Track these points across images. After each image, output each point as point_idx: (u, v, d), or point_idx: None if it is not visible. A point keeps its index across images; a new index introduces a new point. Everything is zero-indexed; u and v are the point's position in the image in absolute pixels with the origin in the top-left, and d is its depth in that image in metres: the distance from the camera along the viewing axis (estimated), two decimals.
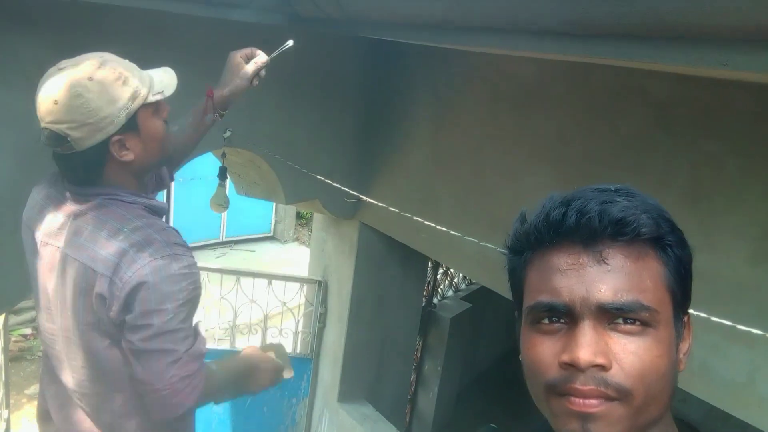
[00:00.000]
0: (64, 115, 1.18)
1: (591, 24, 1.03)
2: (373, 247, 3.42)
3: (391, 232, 3.10)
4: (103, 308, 1.23)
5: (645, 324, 0.58)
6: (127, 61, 1.29)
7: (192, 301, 1.29)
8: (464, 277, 5.28)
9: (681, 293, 0.63)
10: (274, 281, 3.70)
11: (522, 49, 1.25)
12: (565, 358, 0.58)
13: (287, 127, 2.73)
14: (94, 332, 1.28)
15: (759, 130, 1.62)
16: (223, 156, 2.58)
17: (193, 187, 8.27)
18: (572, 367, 0.58)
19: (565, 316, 0.60)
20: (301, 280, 3.81)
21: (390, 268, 3.60)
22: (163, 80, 1.36)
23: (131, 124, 1.26)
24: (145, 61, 1.45)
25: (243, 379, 1.57)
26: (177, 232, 1.33)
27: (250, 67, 1.60)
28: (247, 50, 1.63)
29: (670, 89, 1.81)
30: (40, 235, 1.33)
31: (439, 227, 1.86)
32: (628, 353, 0.57)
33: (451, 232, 1.82)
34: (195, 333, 1.33)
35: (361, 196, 2.37)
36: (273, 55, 1.64)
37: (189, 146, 1.75)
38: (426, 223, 1.91)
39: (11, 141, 1.88)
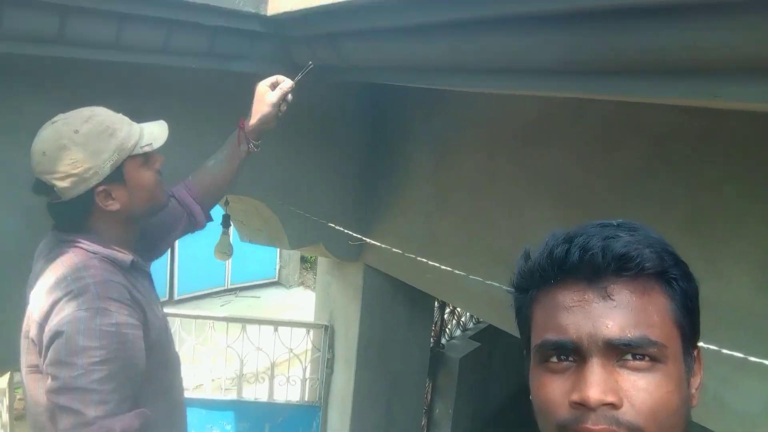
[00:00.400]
0: (51, 166, 1.24)
1: (583, 62, 1.06)
2: (378, 289, 3.41)
3: (396, 273, 3.09)
4: (36, 354, 1.24)
5: (654, 360, 0.58)
6: (119, 115, 1.35)
7: (118, 363, 1.19)
8: (471, 316, 5.23)
9: (689, 327, 0.62)
10: (280, 327, 3.67)
11: (518, 89, 1.28)
12: (575, 397, 0.57)
13: (289, 172, 2.76)
14: (35, 376, 1.28)
15: (756, 155, 1.64)
16: (226, 203, 2.60)
17: (196, 236, 8.23)
18: (583, 407, 0.57)
19: (573, 354, 0.60)
20: (307, 326, 3.78)
21: (396, 309, 3.57)
22: (153, 132, 1.40)
23: (117, 175, 1.31)
24: (148, 114, 1.48)
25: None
26: (124, 288, 1.28)
27: (275, 94, 1.62)
28: (272, 78, 1.66)
29: (666, 120, 1.83)
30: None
31: (442, 267, 1.86)
32: (638, 390, 0.57)
33: (456, 271, 1.82)
34: (128, 406, 1.21)
35: (364, 238, 2.38)
36: (296, 78, 1.67)
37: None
38: (430, 263, 1.91)
39: (18, 198, 1.90)
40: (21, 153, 1.82)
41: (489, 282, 1.63)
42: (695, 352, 0.64)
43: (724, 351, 1.15)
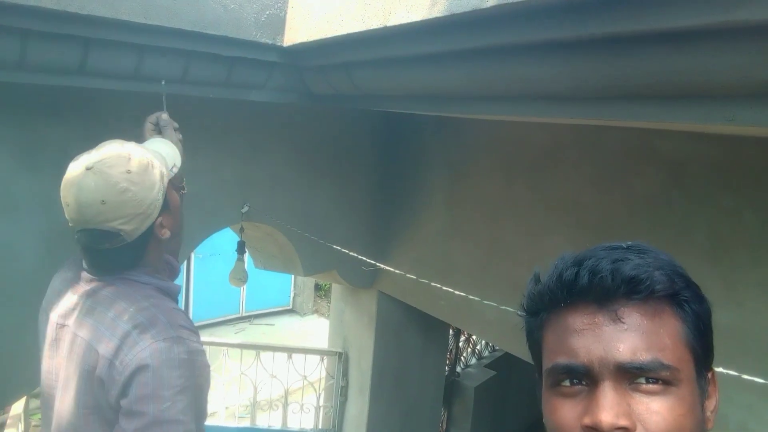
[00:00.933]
0: (115, 212, 1.20)
1: (598, 87, 1.06)
2: (392, 316, 3.39)
3: (410, 300, 3.08)
4: (102, 392, 1.17)
5: (666, 383, 0.57)
6: (135, 144, 1.34)
7: (192, 390, 1.18)
8: (487, 344, 5.17)
9: (702, 349, 0.61)
10: (294, 355, 3.66)
11: (533, 115, 1.29)
12: (587, 421, 0.57)
13: (304, 199, 2.78)
14: (94, 417, 1.21)
15: None
16: (242, 230, 2.62)
17: (211, 263, 8.32)
18: (595, 431, 0.56)
19: (584, 378, 0.59)
20: (321, 353, 3.76)
21: (410, 336, 3.55)
22: (170, 154, 1.42)
23: (165, 203, 1.30)
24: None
25: None
26: (185, 314, 1.30)
27: (170, 133, 1.65)
28: (148, 121, 1.67)
29: (681, 147, 1.82)
30: (55, 316, 1.32)
31: (457, 292, 1.85)
32: (651, 413, 0.56)
33: (470, 297, 1.81)
34: (197, 429, 1.20)
35: (378, 264, 2.38)
36: (164, 108, 1.71)
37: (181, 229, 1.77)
38: (444, 288, 1.90)
39: (40, 226, 1.94)
40: (46, 182, 1.87)
41: (504, 307, 1.62)
42: (709, 375, 0.63)
43: (745, 377, 1.12)
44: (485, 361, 5.03)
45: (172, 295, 1.36)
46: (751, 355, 1.61)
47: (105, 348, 1.17)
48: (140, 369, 1.12)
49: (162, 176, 1.29)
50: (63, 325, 1.29)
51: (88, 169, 1.21)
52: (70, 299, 1.30)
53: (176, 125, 1.69)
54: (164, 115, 1.68)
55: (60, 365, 1.29)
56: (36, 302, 1.43)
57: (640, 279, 0.58)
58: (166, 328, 1.18)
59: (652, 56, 0.95)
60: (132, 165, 1.23)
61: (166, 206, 1.30)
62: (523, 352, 2.34)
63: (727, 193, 1.73)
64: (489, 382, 4.67)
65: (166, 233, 1.31)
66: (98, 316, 1.22)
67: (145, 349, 1.14)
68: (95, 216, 1.19)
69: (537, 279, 0.67)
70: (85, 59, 1.53)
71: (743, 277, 1.66)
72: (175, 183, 1.40)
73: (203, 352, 1.25)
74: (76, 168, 1.23)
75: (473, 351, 5.03)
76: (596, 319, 0.59)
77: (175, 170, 1.38)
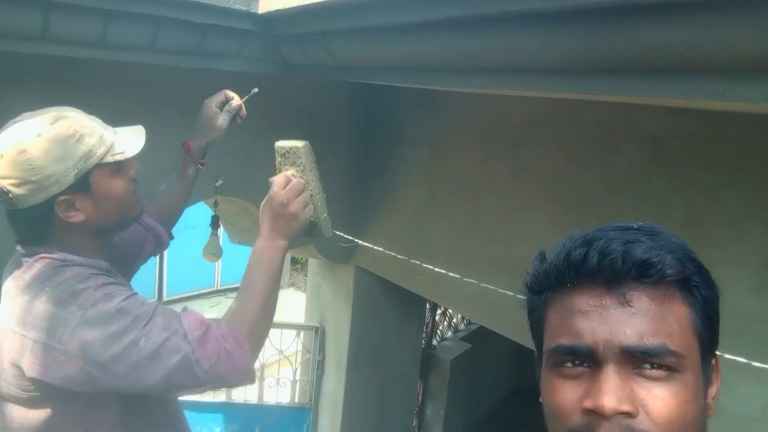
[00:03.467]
0: (7, 170, 1.12)
1: (582, 60, 1.03)
2: (369, 291, 3.38)
3: (388, 275, 3.07)
4: (40, 373, 1.11)
5: (672, 369, 0.56)
6: (92, 117, 1.24)
7: (141, 311, 1.15)
8: (463, 318, 5.22)
9: (708, 336, 0.60)
10: (270, 329, 3.63)
11: (513, 88, 1.25)
12: (589, 404, 0.55)
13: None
14: (14, 401, 1.18)
15: (753, 159, 1.62)
16: (216, 205, 2.56)
17: (186, 237, 8.19)
18: (595, 414, 0.55)
19: (587, 360, 0.58)
20: (297, 327, 3.75)
21: (387, 311, 3.55)
22: (129, 139, 1.29)
23: (82, 184, 1.19)
24: (134, 114, 1.44)
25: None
26: (110, 276, 1.23)
27: (225, 118, 1.59)
28: (220, 96, 1.60)
29: (662, 123, 1.81)
30: None
31: (436, 269, 1.83)
32: (654, 399, 0.55)
33: (450, 274, 1.80)
34: (165, 314, 1.19)
35: (356, 240, 2.35)
36: (244, 99, 1.64)
37: (182, 200, 1.73)
38: (423, 265, 1.89)
39: None
40: None
41: (484, 285, 1.61)
42: (713, 361, 0.63)
43: (727, 356, 1.13)
44: (461, 334, 5.08)
45: (99, 270, 1.24)
46: (727, 331, 1.62)
47: (34, 332, 1.12)
48: (85, 342, 1.11)
49: (87, 156, 1.17)
50: None
51: (15, 121, 1.17)
52: (4, 282, 1.23)
53: (243, 114, 1.64)
54: (236, 103, 1.61)
55: None
56: None
57: (652, 262, 0.57)
58: (89, 295, 1.13)
59: (640, 28, 0.92)
60: (48, 129, 1.14)
61: (85, 188, 1.19)
62: (499, 327, 2.36)
63: (706, 170, 1.72)
64: (464, 355, 4.72)
65: (77, 216, 1.20)
66: (16, 300, 1.15)
67: (79, 322, 1.11)
68: None
69: (543, 257, 0.65)
70: (47, 24, 1.45)
71: (721, 255, 1.67)
72: (125, 170, 1.27)
73: (130, 292, 1.21)
74: (14, 119, 1.18)
75: (449, 324, 5.07)
76: (603, 302, 0.58)
77: (120, 158, 1.23)
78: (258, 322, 1.33)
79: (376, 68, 1.69)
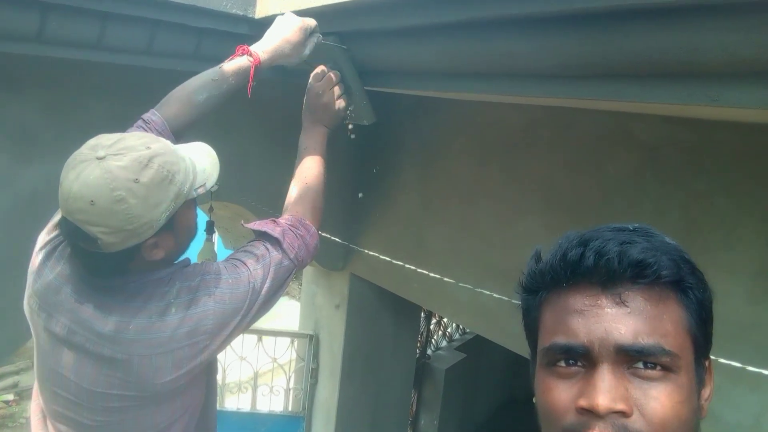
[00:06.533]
0: (100, 218, 1.03)
1: (578, 65, 1.03)
2: (364, 298, 3.37)
3: (383, 282, 3.06)
4: (183, 368, 1.20)
5: (666, 369, 0.56)
6: (171, 146, 1.16)
7: (242, 269, 1.28)
8: (458, 327, 5.21)
9: (702, 337, 0.61)
10: (264, 337, 3.62)
11: (511, 93, 1.26)
12: (583, 403, 0.56)
13: (275, 179, 2.71)
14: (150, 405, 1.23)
15: (747, 167, 1.63)
16: (211, 210, 2.55)
17: None
18: (590, 413, 0.55)
19: (582, 359, 0.58)
20: (291, 335, 3.73)
21: (382, 319, 3.54)
22: (205, 169, 1.23)
23: (168, 224, 1.13)
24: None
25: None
26: (195, 264, 1.29)
27: (311, 47, 1.49)
28: (310, 21, 1.46)
29: (656, 131, 1.82)
30: (63, 320, 1.19)
31: (432, 274, 1.83)
32: (649, 399, 0.55)
33: (445, 279, 1.80)
34: (248, 250, 1.33)
35: (351, 245, 2.35)
36: (322, 41, 1.52)
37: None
38: (419, 270, 1.88)
39: None
40: (1, 157, 1.78)
41: (479, 290, 1.60)
42: (707, 363, 0.63)
43: (722, 360, 1.13)
44: (455, 344, 5.07)
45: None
46: (721, 338, 1.62)
47: (173, 343, 1.19)
48: (216, 313, 1.23)
49: (177, 196, 1.11)
50: (74, 332, 1.17)
51: (98, 158, 1.05)
52: (83, 310, 1.17)
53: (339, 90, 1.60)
54: (333, 75, 1.59)
55: (72, 377, 1.20)
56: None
57: (648, 263, 0.57)
58: (210, 280, 1.24)
59: (636, 33, 0.93)
60: (144, 174, 1.05)
61: (169, 227, 1.14)
62: (495, 335, 2.35)
63: (700, 177, 1.73)
64: (459, 365, 4.71)
65: (158, 254, 1.15)
66: (139, 329, 1.16)
67: (208, 305, 1.23)
68: (78, 212, 1.04)
69: (538, 257, 0.65)
70: (44, 26, 1.45)
71: (715, 262, 1.67)
72: (198, 199, 1.25)
73: (239, 262, 1.31)
74: (88, 149, 1.08)
75: (444, 334, 5.06)
76: (599, 301, 0.58)
77: (202, 191, 1.19)
78: (315, 202, 1.47)
79: (374, 73, 1.69)
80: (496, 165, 2.36)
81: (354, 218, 3.09)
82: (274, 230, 1.34)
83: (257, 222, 1.37)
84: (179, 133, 1.44)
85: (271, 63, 1.46)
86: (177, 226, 1.17)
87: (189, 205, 1.20)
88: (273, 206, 2.67)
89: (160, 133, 1.36)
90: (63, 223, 1.09)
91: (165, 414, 1.27)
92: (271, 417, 3.64)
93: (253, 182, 2.63)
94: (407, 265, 1.95)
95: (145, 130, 1.34)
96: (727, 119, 1.52)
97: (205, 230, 2.57)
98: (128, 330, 1.15)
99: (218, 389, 3.57)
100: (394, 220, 2.88)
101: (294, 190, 1.49)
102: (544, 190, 2.17)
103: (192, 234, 1.28)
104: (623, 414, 0.54)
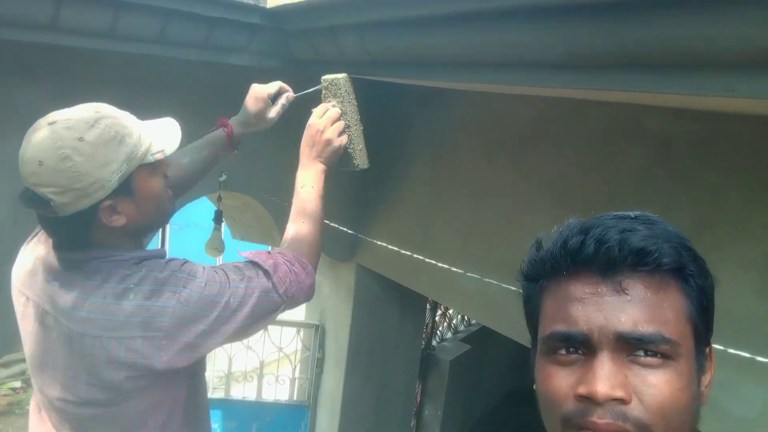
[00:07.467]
0: (49, 178, 1.07)
1: (591, 54, 1.03)
2: (370, 289, 3.38)
3: (389, 273, 3.06)
4: (139, 364, 1.16)
5: (666, 357, 0.56)
6: (126, 114, 1.20)
7: (220, 276, 1.24)
8: (463, 318, 5.22)
9: (703, 325, 0.61)
10: (270, 326, 3.63)
11: (523, 83, 1.26)
12: (582, 390, 0.56)
13: (283, 169, 2.71)
14: (123, 395, 1.21)
15: (758, 160, 1.62)
16: (219, 200, 2.56)
17: (187, 234, 8.22)
18: (589, 400, 0.55)
19: (582, 347, 0.58)
20: (297, 325, 3.74)
21: (388, 310, 3.55)
22: (164, 135, 1.26)
23: (124, 187, 1.15)
24: (142, 107, 1.44)
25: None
26: (175, 259, 1.26)
27: (276, 111, 1.59)
28: (275, 86, 1.58)
29: (668, 124, 1.81)
30: (37, 302, 1.23)
31: (440, 264, 1.84)
32: (648, 386, 0.55)
33: (453, 269, 1.80)
34: (232, 267, 1.29)
35: (358, 234, 2.35)
36: (300, 93, 1.64)
37: (197, 179, 1.68)
38: (427, 260, 1.89)
39: (5, 191, 1.86)
40: (14, 146, 1.79)
41: (486, 279, 1.61)
42: (707, 350, 0.63)
43: (731, 350, 1.13)
44: (460, 335, 5.08)
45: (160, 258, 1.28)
46: (730, 332, 1.62)
47: (127, 330, 1.16)
48: (181, 319, 1.20)
49: (130, 158, 1.13)
50: (46, 313, 1.21)
51: (49, 123, 1.11)
52: (51, 287, 1.20)
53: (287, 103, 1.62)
54: (290, 96, 1.61)
55: (48, 356, 1.23)
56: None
57: (649, 251, 0.57)
58: (176, 278, 1.20)
59: (651, 22, 0.92)
60: (90, 133, 1.09)
61: (127, 191, 1.16)
62: (501, 326, 2.36)
63: (711, 171, 1.72)
64: (464, 356, 4.72)
65: (119, 220, 1.17)
66: (95, 307, 1.16)
67: (172, 304, 1.18)
68: (30, 175, 1.09)
69: (539, 245, 0.65)
70: (57, 14, 1.46)
71: (725, 255, 1.67)
72: (161, 168, 1.25)
73: (207, 268, 1.28)
74: (41, 120, 1.13)
75: (449, 325, 5.07)
76: (599, 289, 0.58)
77: (159, 156, 1.20)
78: (313, 241, 1.44)
79: (385, 64, 1.69)
80: (506, 159, 2.36)
81: (362, 209, 3.10)
82: (266, 262, 1.30)
83: (252, 252, 1.34)
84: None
85: (244, 131, 1.63)
86: (138, 192, 1.19)
87: (150, 171, 1.22)
88: (281, 197, 2.68)
89: None
90: (22, 192, 1.14)
91: (134, 411, 1.25)
92: (276, 406, 3.67)
93: (261, 172, 2.64)
94: (415, 255, 1.96)
95: None
96: (739, 111, 1.51)
97: (213, 219, 2.59)
98: (83, 307, 1.15)
99: (224, 378, 3.60)
100: (402, 212, 2.88)
101: (291, 228, 1.47)
102: (554, 184, 2.17)
103: (161, 205, 1.28)
104: (622, 401, 0.54)
